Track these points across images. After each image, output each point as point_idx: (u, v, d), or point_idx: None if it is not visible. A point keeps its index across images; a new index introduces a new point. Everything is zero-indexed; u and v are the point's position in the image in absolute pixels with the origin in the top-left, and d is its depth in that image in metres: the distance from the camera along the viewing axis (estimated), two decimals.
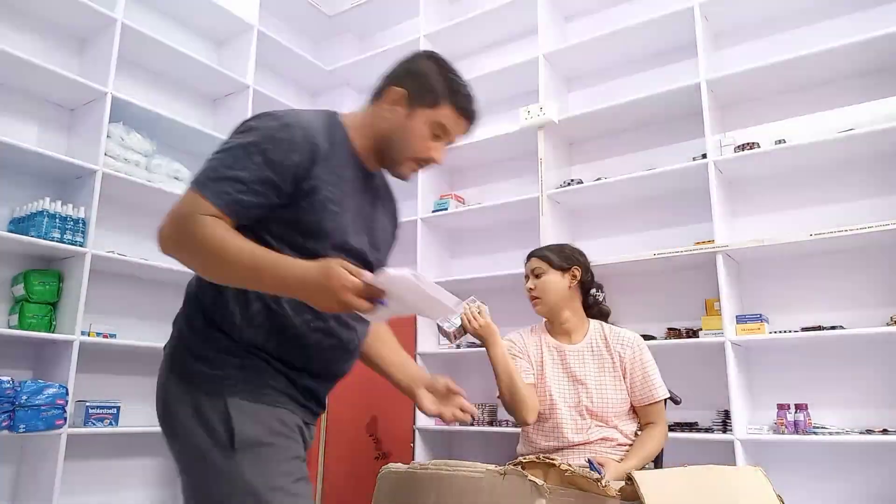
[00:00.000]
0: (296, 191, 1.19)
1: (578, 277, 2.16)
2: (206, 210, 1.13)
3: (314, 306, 1.11)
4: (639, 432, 2.04)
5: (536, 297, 2.14)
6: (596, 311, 2.26)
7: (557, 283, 2.13)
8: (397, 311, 1.11)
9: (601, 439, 1.96)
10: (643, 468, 1.90)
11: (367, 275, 1.08)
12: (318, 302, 1.09)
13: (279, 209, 1.19)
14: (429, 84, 1.31)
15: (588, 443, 1.96)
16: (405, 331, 3.41)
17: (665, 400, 2.09)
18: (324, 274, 1.06)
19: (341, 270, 1.06)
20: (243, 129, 1.21)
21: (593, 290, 2.25)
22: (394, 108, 1.31)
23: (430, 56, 1.37)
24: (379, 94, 1.35)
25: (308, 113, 1.28)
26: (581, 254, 2.24)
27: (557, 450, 1.96)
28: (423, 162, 1.35)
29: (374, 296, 1.07)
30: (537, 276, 2.14)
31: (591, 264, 3.08)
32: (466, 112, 1.34)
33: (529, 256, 2.21)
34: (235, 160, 1.16)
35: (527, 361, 2.12)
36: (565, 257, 2.17)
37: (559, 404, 2.00)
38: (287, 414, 1.20)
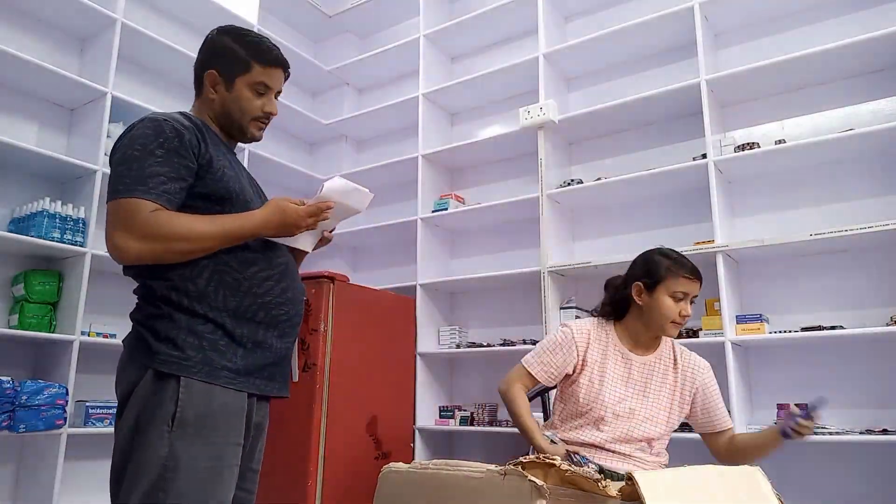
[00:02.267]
0: (199, 167, 1.35)
1: None
2: (149, 208, 1.26)
3: (279, 236, 1.42)
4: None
5: (685, 321, 1.98)
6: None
7: None
8: (339, 216, 1.50)
9: (637, 451, 1.91)
10: None
11: (309, 200, 1.43)
12: (282, 232, 1.41)
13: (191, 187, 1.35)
14: (234, 55, 1.47)
15: (622, 453, 1.89)
16: (406, 330, 3.41)
17: None
18: (280, 210, 1.39)
19: (289, 203, 1.40)
20: (126, 141, 1.33)
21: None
22: (216, 88, 1.48)
23: (224, 31, 1.52)
24: (199, 84, 1.51)
25: (175, 113, 1.42)
26: None
27: (590, 445, 1.90)
28: (263, 119, 1.53)
29: (321, 210, 1.42)
30: (692, 303, 1.98)
31: (590, 264, 3.11)
32: (276, 61, 1.53)
33: (698, 277, 1.97)
34: (141, 162, 1.29)
35: (572, 355, 1.98)
36: None
37: (608, 409, 1.91)
38: (235, 396, 1.32)
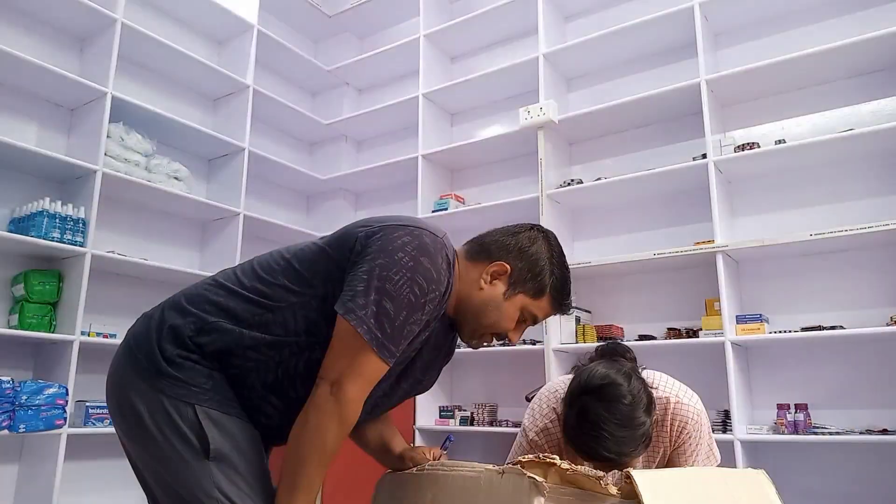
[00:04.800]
0: None
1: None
2: (375, 375, 1.09)
3: None
4: None
5: None
6: None
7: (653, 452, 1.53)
8: None
9: None
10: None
11: None
12: None
13: None
14: (537, 272, 1.24)
15: None
16: None
17: None
18: None
19: None
20: (413, 266, 1.09)
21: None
22: (493, 281, 1.24)
23: (546, 236, 1.30)
24: (483, 254, 1.27)
25: (444, 250, 1.18)
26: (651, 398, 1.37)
27: None
28: (500, 338, 1.29)
29: None
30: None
31: (590, 264, 3.11)
32: (563, 306, 1.30)
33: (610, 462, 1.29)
34: (411, 311, 1.09)
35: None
36: (644, 433, 1.31)
37: None
38: (250, 426, 1.17)
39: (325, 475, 1.11)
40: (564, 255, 1.30)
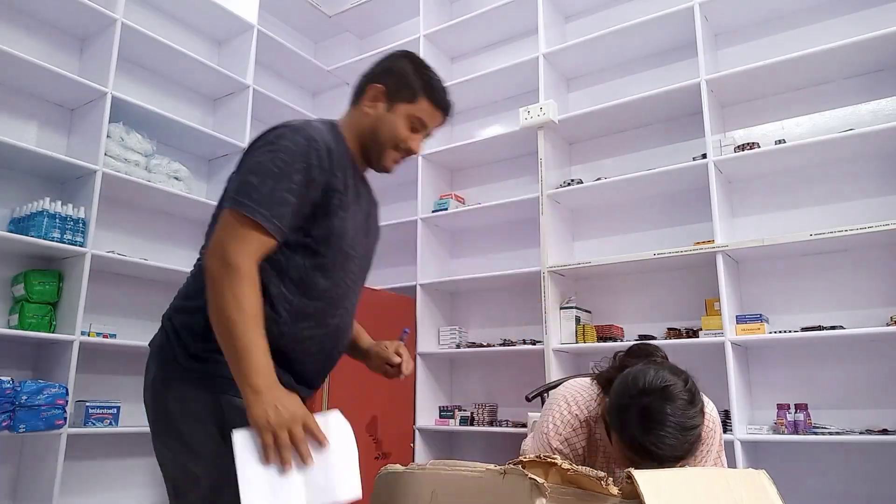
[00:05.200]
0: (322, 202, 1.26)
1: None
2: (261, 240, 1.17)
3: (253, 411, 1.07)
4: None
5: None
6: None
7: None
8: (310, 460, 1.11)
9: None
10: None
11: (318, 433, 1.11)
12: (260, 411, 1.07)
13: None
14: (406, 80, 1.39)
15: None
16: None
17: None
18: (287, 407, 1.08)
19: (304, 420, 1.09)
20: (273, 144, 1.24)
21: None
22: (374, 104, 1.39)
23: (406, 55, 1.44)
24: (360, 94, 1.43)
25: (319, 125, 1.33)
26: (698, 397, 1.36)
27: None
28: (404, 152, 1.43)
29: (315, 438, 1.11)
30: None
31: (590, 264, 3.11)
32: (442, 104, 1.42)
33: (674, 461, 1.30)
34: (278, 179, 1.19)
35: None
36: (699, 433, 1.32)
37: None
38: None
39: (260, 334, 1.12)
40: (429, 66, 1.44)
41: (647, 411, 1.27)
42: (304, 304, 1.27)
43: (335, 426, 1.16)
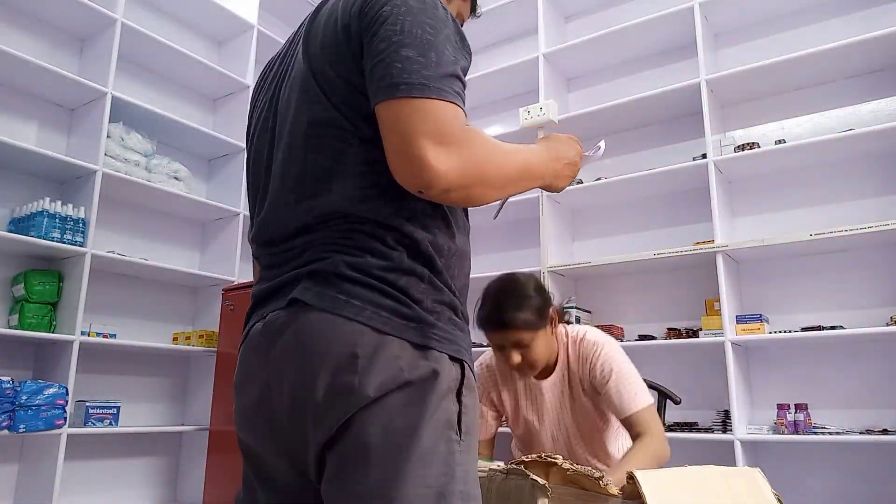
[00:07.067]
0: None
1: (557, 316, 1.76)
2: (464, 120, 0.87)
3: (558, 180, 1.05)
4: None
5: (527, 368, 1.71)
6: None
7: (546, 340, 1.72)
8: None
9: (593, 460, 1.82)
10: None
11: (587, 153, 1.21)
12: (565, 174, 1.07)
13: None
14: None
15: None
16: None
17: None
18: (574, 151, 1.10)
19: (576, 146, 1.12)
20: (402, 6, 0.88)
21: (564, 314, 1.86)
22: None
23: None
24: None
25: None
26: (542, 286, 1.75)
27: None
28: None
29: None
30: (524, 348, 1.66)
31: (590, 264, 3.11)
32: None
33: (498, 327, 1.65)
34: (441, 52, 0.88)
35: (495, 397, 1.88)
36: (541, 308, 1.68)
37: (543, 437, 1.83)
38: None
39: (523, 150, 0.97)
40: None
41: (484, 292, 1.71)
42: (463, 242, 1.05)
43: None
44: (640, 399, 1.70)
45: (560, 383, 1.79)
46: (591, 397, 1.77)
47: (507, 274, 1.76)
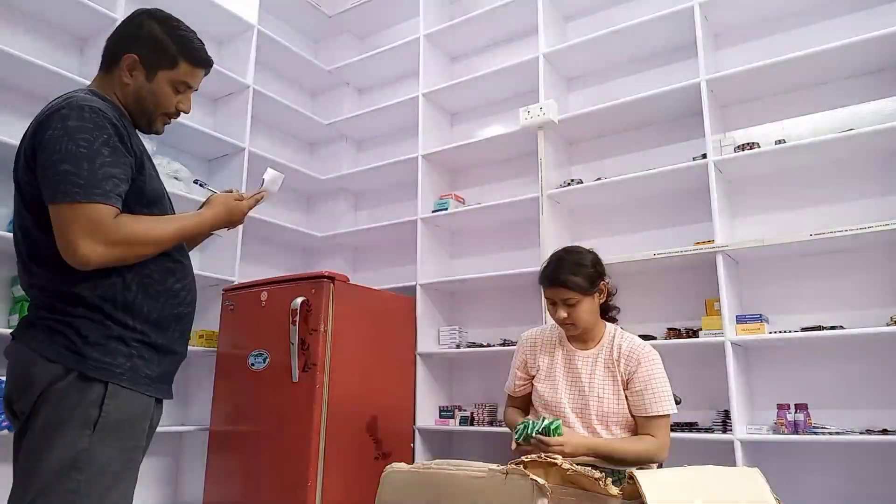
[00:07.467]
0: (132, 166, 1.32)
1: (606, 290, 2.08)
2: (112, 213, 1.23)
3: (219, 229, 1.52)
4: None
5: (570, 324, 2.01)
6: (610, 314, 2.19)
7: (591, 307, 2.02)
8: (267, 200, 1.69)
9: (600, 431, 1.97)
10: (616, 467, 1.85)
11: (247, 193, 1.59)
12: (225, 226, 1.52)
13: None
14: (160, 46, 1.39)
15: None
16: (406, 330, 3.41)
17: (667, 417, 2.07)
18: (227, 210, 1.50)
19: (233, 201, 1.53)
20: (62, 133, 1.23)
21: (613, 293, 2.16)
22: (132, 74, 1.39)
23: (148, 14, 1.43)
24: (112, 60, 1.41)
25: (91, 95, 1.34)
26: (599, 261, 2.10)
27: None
28: (174, 116, 1.48)
29: (258, 202, 1.58)
30: (571, 306, 1.98)
31: None
32: (203, 62, 1.46)
33: (554, 284, 2.00)
34: (91, 162, 1.22)
35: (530, 362, 2.15)
36: (593, 278, 2.01)
37: (565, 407, 2.00)
38: (150, 402, 1.36)
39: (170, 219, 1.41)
40: (176, 21, 1.45)
41: (550, 256, 2.10)
42: (166, 263, 1.42)
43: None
44: (663, 406, 1.92)
45: (594, 360, 2.04)
46: (622, 384, 1.98)
47: (574, 245, 2.18)
